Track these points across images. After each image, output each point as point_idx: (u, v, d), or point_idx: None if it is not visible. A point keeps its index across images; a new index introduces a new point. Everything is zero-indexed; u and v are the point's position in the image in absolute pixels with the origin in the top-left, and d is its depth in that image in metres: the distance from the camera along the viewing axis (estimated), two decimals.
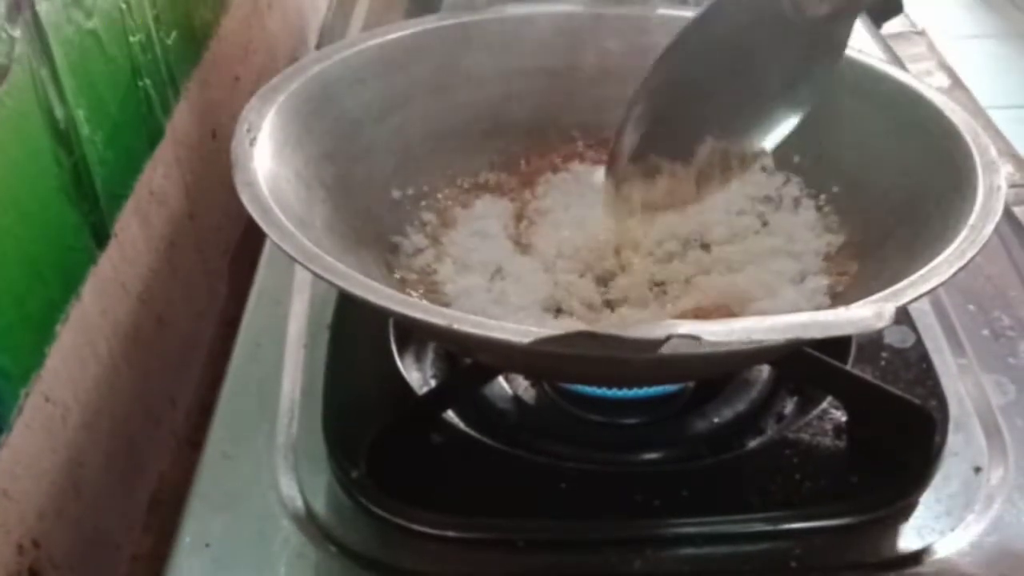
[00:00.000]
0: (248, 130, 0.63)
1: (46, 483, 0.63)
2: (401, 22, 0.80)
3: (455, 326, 0.50)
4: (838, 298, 0.66)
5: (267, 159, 0.63)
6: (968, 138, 0.64)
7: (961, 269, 0.54)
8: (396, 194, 0.75)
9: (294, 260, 0.55)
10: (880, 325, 0.46)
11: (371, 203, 0.72)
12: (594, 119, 0.81)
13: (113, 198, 0.72)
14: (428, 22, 0.79)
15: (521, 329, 0.50)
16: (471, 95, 0.79)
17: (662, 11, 0.81)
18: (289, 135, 0.66)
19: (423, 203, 0.76)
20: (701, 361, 0.54)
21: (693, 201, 0.71)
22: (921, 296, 0.53)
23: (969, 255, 0.55)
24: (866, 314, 0.47)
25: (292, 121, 0.67)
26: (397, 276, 0.70)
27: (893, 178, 0.69)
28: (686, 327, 0.45)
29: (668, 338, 0.44)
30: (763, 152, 0.71)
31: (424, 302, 0.55)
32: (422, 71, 0.77)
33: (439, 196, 0.77)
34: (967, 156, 0.63)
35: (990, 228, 0.57)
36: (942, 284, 0.53)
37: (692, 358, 0.47)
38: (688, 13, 0.80)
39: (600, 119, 0.80)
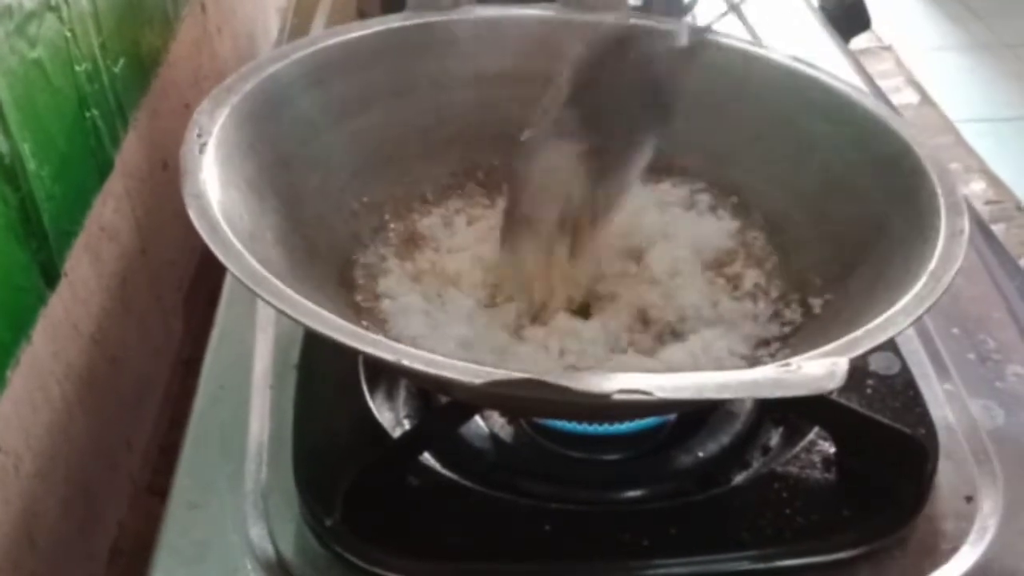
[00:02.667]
0: (199, 135, 0.61)
1: (0, 536, 0.60)
2: (363, 21, 0.77)
3: (404, 362, 0.48)
4: (797, 334, 0.66)
5: (218, 166, 0.60)
6: (934, 176, 0.63)
7: (918, 319, 0.53)
8: (352, 203, 0.73)
9: (240, 281, 0.52)
10: (832, 386, 0.45)
11: (325, 212, 0.70)
12: None
13: (62, 235, 0.70)
14: (391, 21, 0.77)
15: (472, 368, 0.48)
16: (433, 99, 0.77)
17: (634, 20, 0.79)
18: (242, 140, 0.64)
19: (380, 214, 0.74)
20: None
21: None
22: (876, 348, 0.52)
23: (928, 303, 0.54)
24: (819, 373, 0.46)
25: (245, 125, 0.65)
26: (353, 294, 0.68)
27: (857, 210, 0.68)
28: (636, 381, 0.45)
29: (618, 391, 0.44)
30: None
31: (380, 337, 0.52)
32: (383, 73, 0.75)
33: (397, 207, 0.75)
34: (932, 196, 0.62)
35: (949, 276, 0.56)
36: (898, 334, 0.53)
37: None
38: (656, 23, 0.79)
39: None
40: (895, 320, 0.53)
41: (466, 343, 0.65)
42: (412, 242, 0.73)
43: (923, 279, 0.55)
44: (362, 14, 1.16)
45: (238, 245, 0.54)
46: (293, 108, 0.69)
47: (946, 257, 0.57)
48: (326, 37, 0.74)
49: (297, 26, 1.20)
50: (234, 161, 0.62)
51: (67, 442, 0.70)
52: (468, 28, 0.78)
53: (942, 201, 0.61)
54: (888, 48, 1.42)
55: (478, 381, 0.47)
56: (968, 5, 2.63)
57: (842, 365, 0.46)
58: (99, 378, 0.75)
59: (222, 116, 0.63)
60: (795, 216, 0.72)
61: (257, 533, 0.60)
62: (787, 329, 0.67)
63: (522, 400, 0.55)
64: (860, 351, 0.51)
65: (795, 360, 0.47)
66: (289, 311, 0.51)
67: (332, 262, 0.69)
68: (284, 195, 0.65)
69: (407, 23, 0.77)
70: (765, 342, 0.66)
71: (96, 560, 0.73)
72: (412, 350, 0.50)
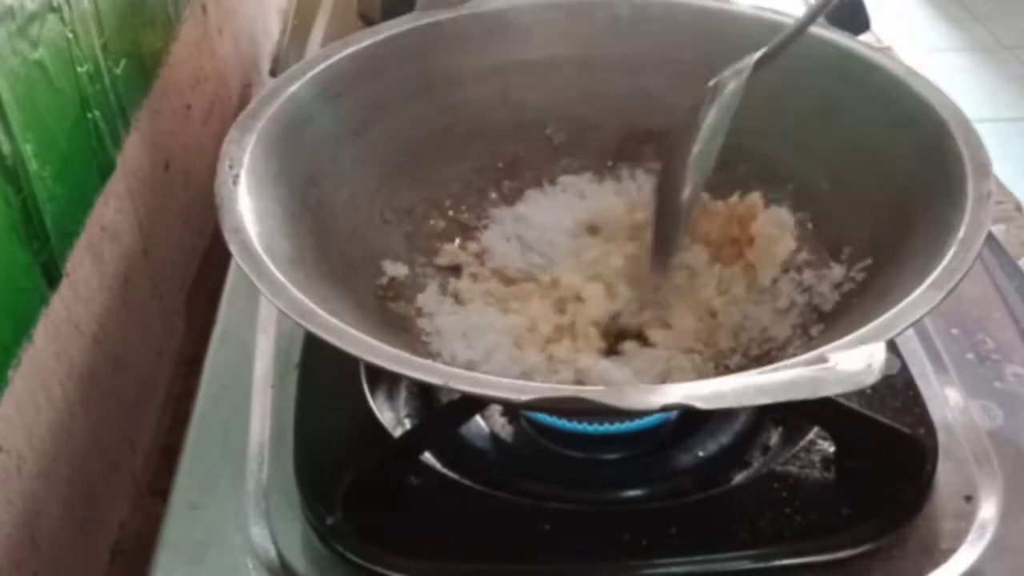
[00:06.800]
0: (230, 167, 0.61)
1: (2, 536, 0.60)
2: (375, 27, 0.77)
3: (451, 384, 0.49)
4: (832, 309, 0.66)
5: (252, 196, 0.60)
6: (959, 138, 0.63)
7: (951, 292, 0.53)
8: (383, 211, 0.73)
9: (294, 319, 0.52)
10: (870, 380, 0.45)
11: (358, 224, 0.70)
12: (578, 113, 0.79)
13: (64, 235, 0.70)
14: (402, 24, 0.77)
15: (518, 385, 0.49)
16: (449, 97, 0.78)
17: None
18: (271, 165, 0.64)
19: (411, 219, 0.75)
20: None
21: None
22: (910, 326, 0.52)
23: (959, 275, 0.54)
24: (856, 368, 0.46)
25: (272, 149, 0.65)
26: (388, 307, 0.69)
27: (882, 173, 0.68)
28: (677, 393, 0.45)
29: (663, 406, 0.45)
30: None
31: (427, 362, 0.53)
32: (398, 77, 0.75)
33: (427, 210, 0.76)
34: (957, 158, 0.62)
35: (979, 245, 0.55)
36: (933, 309, 0.52)
37: None
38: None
39: (583, 112, 0.79)
40: (928, 296, 0.53)
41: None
42: (444, 248, 0.75)
43: (953, 248, 0.55)
44: (363, 16, 1.16)
45: (282, 278, 0.54)
46: (315, 125, 0.70)
47: (974, 224, 0.56)
48: (339, 49, 0.74)
49: (298, 27, 1.20)
50: (267, 188, 0.62)
51: (69, 442, 0.69)
52: (478, 22, 0.78)
53: (968, 164, 0.61)
54: (888, 49, 1.42)
55: (524, 398, 0.47)
56: (968, 7, 2.63)
57: (878, 355, 0.46)
58: (101, 378, 0.75)
59: (250, 144, 0.63)
60: (821, 184, 0.72)
61: (258, 532, 0.61)
62: (820, 301, 0.67)
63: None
64: (895, 331, 0.51)
65: (832, 354, 0.47)
66: (336, 342, 0.51)
67: (368, 274, 0.69)
68: (316, 213, 0.66)
69: (417, 24, 0.77)
70: (800, 317, 0.67)
71: (97, 560, 0.73)
72: (458, 372, 0.51)
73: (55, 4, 0.69)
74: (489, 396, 0.49)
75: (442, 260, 0.74)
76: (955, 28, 2.56)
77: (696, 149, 0.68)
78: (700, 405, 0.45)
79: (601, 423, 0.64)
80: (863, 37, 0.77)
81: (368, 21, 1.15)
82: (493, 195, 0.79)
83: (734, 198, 0.74)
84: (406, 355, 0.51)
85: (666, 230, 0.70)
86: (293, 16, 1.24)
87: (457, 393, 0.55)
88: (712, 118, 0.67)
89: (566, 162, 0.80)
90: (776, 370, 0.48)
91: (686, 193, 0.68)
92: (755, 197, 0.73)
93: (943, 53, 2.42)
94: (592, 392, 0.46)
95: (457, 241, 0.75)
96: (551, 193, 0.79)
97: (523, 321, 0.68)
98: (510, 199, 0.79)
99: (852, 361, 0.46)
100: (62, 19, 0.71)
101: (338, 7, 1.23)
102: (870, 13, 1.17)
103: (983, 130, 0.64)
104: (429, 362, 0.51)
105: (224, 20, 1.13)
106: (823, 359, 0.47)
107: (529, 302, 0.70)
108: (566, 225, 0.76)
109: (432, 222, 0.76)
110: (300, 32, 1.19)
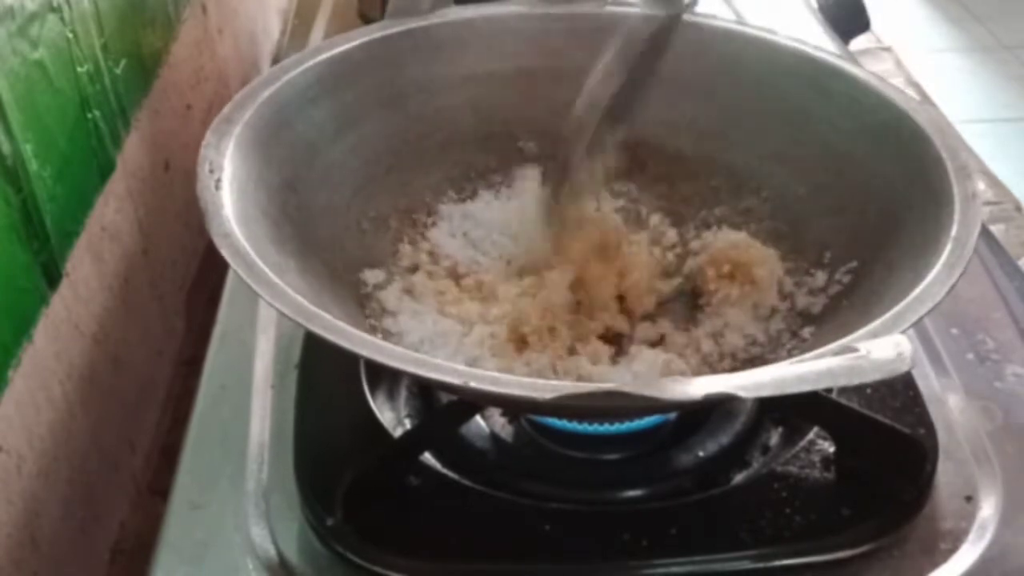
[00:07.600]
0: (211, 171, 0.60)
1: (2, 536, 0.61)
2: (346, 34, 0.77)
3: (471, 384, 0.48)
4: (822, 311, 0.67)
5: (235, 201, 0.60)
6: (937, 141, 0.64)
7: (953, 287, 0.53)
8: (360, 220, 0.73)
9: (297, 323, 0.52)
10: (904, 368, 0.45)
11: (337, 232, 0.70)
12: (549, 122, 0.78)
13: (64, 235, 0.70)
14: (373, 32, 0.76)
15: (539, 384, 0.48)
16: (423, 106, 0.77)
17: (611, 8, 0.79)
18: (251, 169, 0.64)
19: (387, 228, 0.75)
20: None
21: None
22: (919, 320, 0.52)
23: (959, 270, 0.54)
24: (889, 356, 0.46)
25: (251, 154, 0.64)
26: (368, 314, 0.68)
27: (859, 179, 0.68)
28: (718, 384, 0.45)
29: (707, 396, 0.44)
30: None
31: (442, 362, 0.52)
32: (371, 84, 0.75)
33: (401, 220, 0.76)
34: (937, 161, 0.62)
35: (973, 240, 0.56)
36: (938, 304, 0.52)
37: None
38: (636, 10, 0.79)
39: (555, 122, 0.79)
40: (931, 291, 0.53)
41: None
42: (421, 259, 0.74)
43: (949, 246, 0.55)
44: (363, 16, 1.16)
45: (280, 283, 0.54)
46: (291, 130, 0.69)
47: (965, 222, 0.57)
48: (312, 55, 0.73)
49: (298, 27, 1.20)
50: (248, 193, 0.62)
51: (69, 442, 0.70)
52: (449, 31, 0.78)
53: (949, 165, 0.61)
54: (888, 49, 1.42)
55: (549, 396, 0.47)
56: (968, 7, 2.63)
57: (905, 345, 0.46)
58: (101, 378, 0.75)
59: (228, 148, 0.63)
60: (797, 190, 0.72)
61: (258, 533, 0.61)
62: (806, 304, 0.68)
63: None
64: (907, 324, 0.51)
65: (860, 344, 0.47)
66: (347, 344, 0.51)
67: (351, 284, 0.69)
68: (296, 220, 0.65)
69: (389, 32, 0.76)
70: (784, 322, 0.68)
71: (98, 560, 0.73)
72: (478, 371, 0.50)
73: (55, 4, 0.69)
74: (513, 396, 0.48)
75: (404, 262, 0.74)
76: (955, 28, 2.56)
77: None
78: (743, 394, 0.44)
79: (602, 423, 0.64)
80: (863, 37, 0.78)
81: (368, 21, 1.15)
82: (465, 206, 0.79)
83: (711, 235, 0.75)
84: (422, 356, 0.51)
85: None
86: (293, 16, 1.24)
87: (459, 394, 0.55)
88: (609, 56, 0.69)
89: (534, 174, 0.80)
90: (806, 360, 0.49)
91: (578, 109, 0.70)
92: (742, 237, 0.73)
93: (943, 53, 2.42)
94: (631, 386, 0.45)
95: (407, 240, 0.75)
96: (504, 194, 0.79)
97: (487, 328, 0.68)
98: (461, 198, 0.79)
99: (883, 350, 0.46)
100: (62, 19, 0.71)
101: (338, 7, 1.23)
102: (870, 13, 1.18)
103: (983, 130, 0.64)
104: (447, 363, 0.51)
105: (224, 20, 1.13)
106: (852, 349, 0.47)
107: (473, 308, 0.70)
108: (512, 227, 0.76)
109: (406, 233, 0.76)
110: (300, 32, 1.19)
